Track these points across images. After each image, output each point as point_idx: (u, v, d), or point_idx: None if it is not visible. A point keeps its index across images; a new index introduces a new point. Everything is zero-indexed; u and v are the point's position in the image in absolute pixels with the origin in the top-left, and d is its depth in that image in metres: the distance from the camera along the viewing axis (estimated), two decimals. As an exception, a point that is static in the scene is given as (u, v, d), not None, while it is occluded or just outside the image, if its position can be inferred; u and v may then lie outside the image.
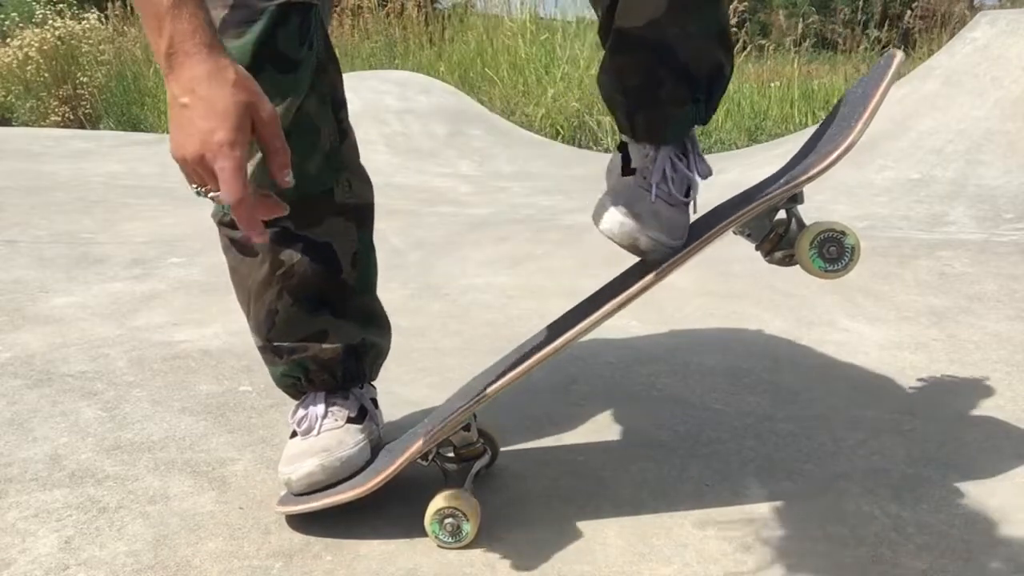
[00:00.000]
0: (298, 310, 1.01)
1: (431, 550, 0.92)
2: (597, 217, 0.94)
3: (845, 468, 1.12)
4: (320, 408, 1.03)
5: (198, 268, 2.20)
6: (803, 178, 0.84)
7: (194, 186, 0.72)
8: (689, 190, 0.97)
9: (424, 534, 0.94)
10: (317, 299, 1.02)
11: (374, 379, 1.13)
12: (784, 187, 0.85)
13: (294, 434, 1.04)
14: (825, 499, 1.03)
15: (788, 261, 0.92)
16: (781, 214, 0.92)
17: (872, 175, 3.31)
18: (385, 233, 2.61)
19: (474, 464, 1.00)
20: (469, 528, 0.92)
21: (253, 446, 1.18)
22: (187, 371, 1.47)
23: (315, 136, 0.97)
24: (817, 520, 0.99)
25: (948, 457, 1.15)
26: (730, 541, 0.94)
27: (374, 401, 1.11)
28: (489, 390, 0.91)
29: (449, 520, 0.92)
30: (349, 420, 1.03)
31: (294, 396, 1.08)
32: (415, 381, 1.43)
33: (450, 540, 0.92)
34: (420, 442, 0.93)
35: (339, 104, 1.00)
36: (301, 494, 0.98)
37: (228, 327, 1.71)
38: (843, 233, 0.85)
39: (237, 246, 1.01)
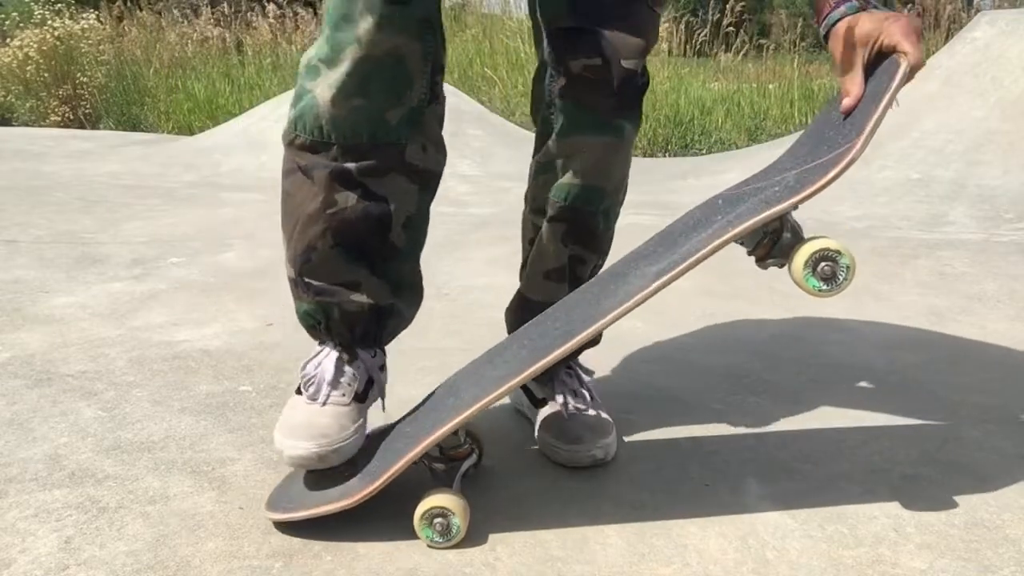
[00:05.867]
0: (337, 255, 0.99)
1: (431, 550, 0.92)
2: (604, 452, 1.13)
3: (845, 468, 1.12)
4: (330, 374, 1.02)
5: (198, 268, 2.20)
6: (804, 194, 0.83)
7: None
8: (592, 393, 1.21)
9: (424, 534, 0.94)
10: (358, 250, 1.00)
11: (386, 344, 1.11)
12: (783, 205, 0.84)
13: (299, 390, 1.03)
14: (825, 499, 1.03)
15: (782, 266, 0.92)
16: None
17: (872, 175, 3.31)
18: (385, 233, 2.61)
19: (462, 464, 1.00)
20: (459, 523, 0.92)
21: (253, 446, 1.18)
22: (187, 371, 1.47)
23: (406, 87, 0.96)
24: (817, 520, 0.99)
25: (948, 457, 1.15)
26: (730, 541, 0.94)
27: (383, 367, 1.09)
28: (493, 394, 0.90)
29: (439, 520, 0.92)
30: (355, 397, 1.02)
31: (312, 335, 1.07)
32: (415, 381, 1.43)
33: (442, 540, 0.92)
34: (410, 453, 0.93)
35: (438, 68, 0.99)
36: (291, 467, 1.00)
37: (228, 327, 1.71)
38: (839, 252, 0.84)
39: (302, 171, 0.98)
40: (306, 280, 1.01)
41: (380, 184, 0.98)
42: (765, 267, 0.92)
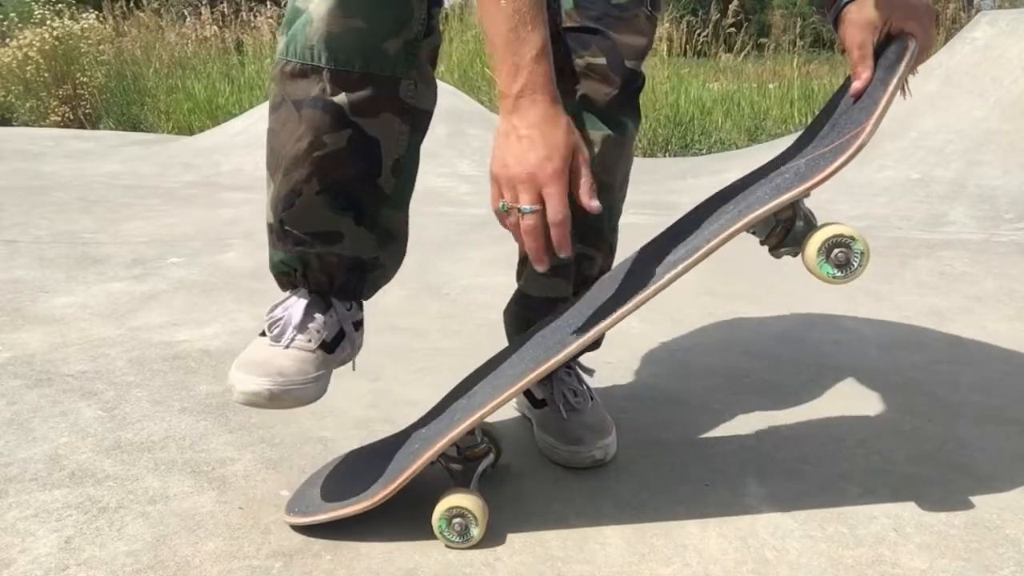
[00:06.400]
0: (322, 200, 0.94)
1: (431, 550, 0.92)
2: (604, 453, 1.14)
3: (845, 468, 1.12)
4: (298, 317, 0.97)
5: (198, 268, 2.20)
6: (815, 180, 0.82)
7: (502, 201, 0.85)
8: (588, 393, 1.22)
9: (424, 534, 0.94)
10: (345, 196, 0.96)
11: (367, 299, 1.06)
12: (794, 191, 0.84)
13: (263, 334, 0.98)
14: (825, 499, 1.03)
15: (795, 255, 0.91)
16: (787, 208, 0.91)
17: (872, 175, 3.31)
18: (385, 233, 2.61)
19: (479, 464, 1.00)
20: (476, 532, 0.92)
21: (253, 446, 1.18)
22: (187, 371, 1.47)
23: (407, 14, 0.90)
24: (817, 520, 0.99)
25: (948, 457, 1.15)
26: (730, 541, 0.94)
27: (357, 324, 1.04)
28: (507, 393, 0.90)
29: (458, 520, 0.92)
30: (322, 345, 0.97)
31: (282, 286, 1.02)
32: (415, 381, 1.43)
33: (456, 540, 0.92)
34: (427, 454, 0.92)
35: (436, 1, 0.95)
36: (241, 403, 0.95)
37: (228, 327, 1.71)
38: (852, 239, 0.83)
39: (292, 105, 0.91)
40: (286, 228, 0.96)
41: (372, 124, 0.93)
42: (779, 256, 0.91)
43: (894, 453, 1.16)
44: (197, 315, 1.80)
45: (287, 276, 1.00)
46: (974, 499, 1.03)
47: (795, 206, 0.87)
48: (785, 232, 0.89)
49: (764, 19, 11.65)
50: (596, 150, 1.09)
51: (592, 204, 0.85)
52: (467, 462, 0.99)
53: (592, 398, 1.20)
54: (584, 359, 1.25)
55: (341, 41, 0.88)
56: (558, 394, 1.18)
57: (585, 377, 1.23)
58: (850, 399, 1.36)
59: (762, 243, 0.92)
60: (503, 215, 0.85)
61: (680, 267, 0.86)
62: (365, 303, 1.06)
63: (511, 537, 0.95)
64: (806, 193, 0.85)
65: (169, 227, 2.78)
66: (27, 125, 6.99)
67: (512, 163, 0.83)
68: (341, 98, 0.90)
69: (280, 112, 0.93)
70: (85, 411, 1.29)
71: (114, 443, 1.18)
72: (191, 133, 6.08)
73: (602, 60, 1.05)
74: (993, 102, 3.45)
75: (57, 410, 1.29)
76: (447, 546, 0.93)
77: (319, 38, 0.88)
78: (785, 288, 1.98)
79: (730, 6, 6.92)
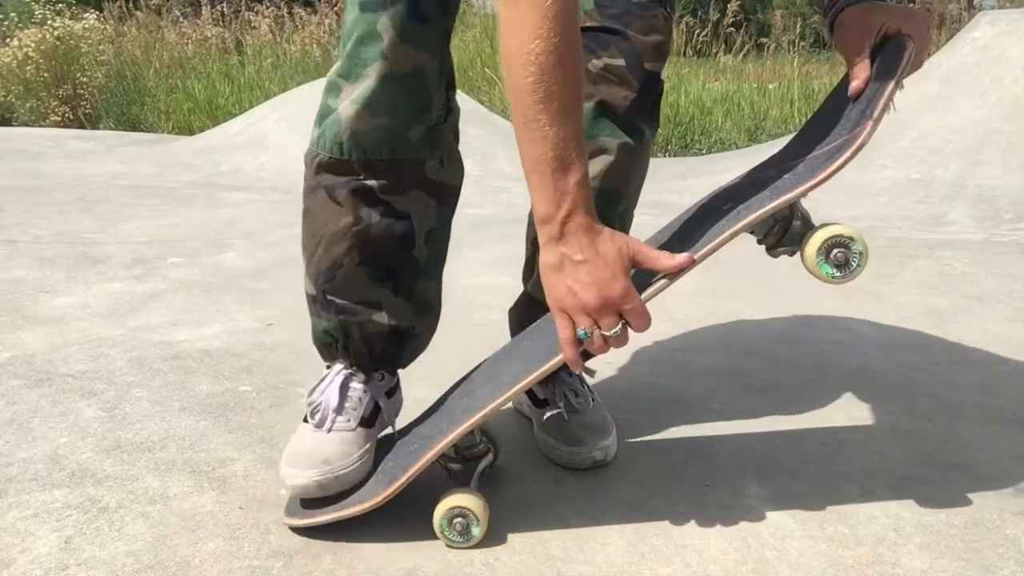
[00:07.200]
0: (362, 272, 0.99)
1: (431, 550, 0.92)
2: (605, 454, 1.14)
3: (845, 468, 1.12)
4: (335, 399, 1.01)
5: (198, 268, 2.20)
6: (814, 181, 0.83)
7: (581, 330, 0.84)
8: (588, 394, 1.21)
9: (424, 534, 0.94)
10: (384, 268, 1.00)
11: (404, 367, 1.11)
12: (794, 192, 0.84)
13: (306, 419, 1.03)
14: (825, 499, 1.03)
15: (792, 255, 0.92)
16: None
17: (872, 175, 3.31)
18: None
19: (478, 464, 1.00)
20: (477, 532, 0.92)
21: (253, 446, 1.18)
22: (187, 371, 1.47)
23: (427, 103, 0.96)
24: (817, 520, 0.99)
25: (948, 457, 1.15)
26: (730, 541, 0.94)
27: (391, 393, 1.08)
28: (508, 393, 0.90)
29: (459, 520, 0.92)
30: (361, 422, 1.02)
31: (324, 357, 1.06)
32: (415, 381, 1.43)
33: (456, 539, 0.92)
34: (427, 455, 0.92)
35: (451, 84, 1.00)
36: (293, 496, 0.99)
37: (228, 327, 1.71)
38: (851, 239, 0.84)
39: (324, 191, 0.98)
40: (328, 298, 1.01)
41: (401, 201, 0.98)
42: (776, 255, 0.92)
43: (894, 453, 1.16)
44: (197, 315, 1.80)
45: (329, 347, 1.05)
46: (974, 499, 1.03)
47: (793, 206, 0.88)
48: (783, 232, 0.89)
49: (764, 19, 11.65)
50: (613, 157, 1.07)
51: (675, 262, 0.84)
52: (466, 462, 0.99)
53: (593, 399, 1.20)
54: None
55: (368, 138, 0.95)
56: (559, 394, 1.18)
57: (587, 378, 1.23)
58: (850, 399, 1.36)
59: (759, 242, 0.92)
60: (588, 342, 0.85)
61: (662, 281, 0.86)
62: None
63: (511, 537, 0.95)
64: (805, 194, 0.85)
65: (169, 227, 2.78)
66: (27, 125, 6.99)
67: (580, 290, 0.82)
68: (371, 182, 0.96)
69: (316, 196, 1.00)
70: (85, 411, 1.29)
71: (114, 443, 1.18)
72: (191, 133, 6.08)
73: (621, 61, 1.04)
74: (993, 102, 3.45)
75: (57, 410, 1.29)
76: (448, 546, 0.93)
77: (348, 136, 0.94)
78: (785, 288, 1.98)
79: (730, 6, 6.92)
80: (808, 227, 0.88)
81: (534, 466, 1.14)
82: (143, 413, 1.29)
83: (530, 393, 1.23)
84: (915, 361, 1.52)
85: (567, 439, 1.13)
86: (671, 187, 3.68)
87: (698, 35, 6.98)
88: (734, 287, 2.01)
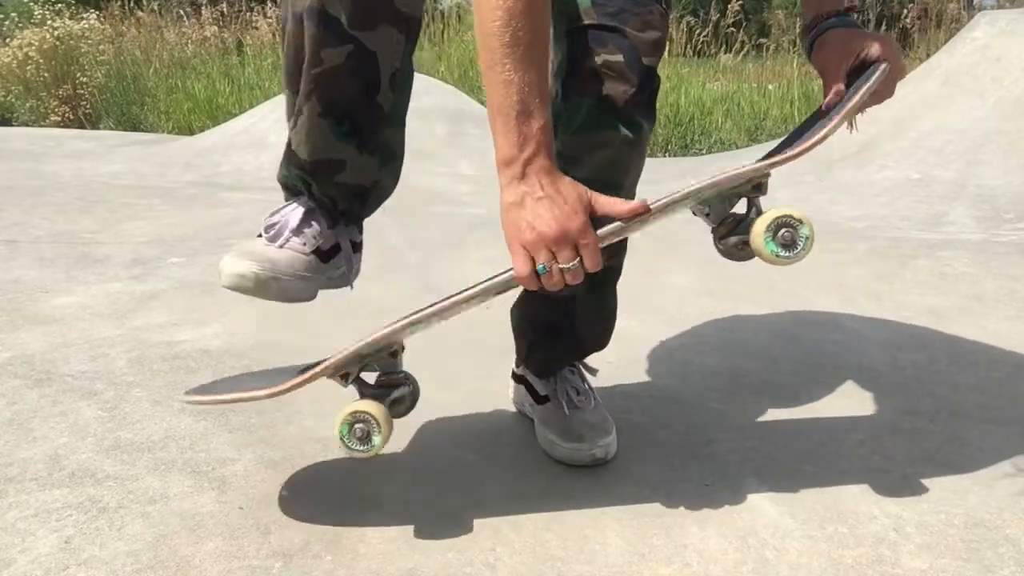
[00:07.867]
0: (326, 124, 0.97)
1: (431, 550, 0.92)
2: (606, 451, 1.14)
3: (845, 468, 1.12)
4: (295, 221, 0.99)
5: (198, 268, 2.20)
6: (770, 161, 0.86)
7: (540, 264, 0.85)
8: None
9: (424, 534, 0.94)
10: (347, 119, 0.97)
11: (367, 217, 1.09)
12: (747, 168, 0.87)
13: (260, 235, 1.00)
14: (825, 499, 1.03)
15: (741, 248, 0.93)
16: (742, 206, 0.93)
17: (872, 175, 3.31)
18: (384, 233, 2.61)
19: (393, 392, 0.98)
20: (378, 441, 0.91)
21: (253, 446, 1.18)
22: (187, 371, 1.47)
23: None
24: (817, 520, 0.99)
25: (948, 457, 1.15)
26: (730, 541, 0.94)
27: (356, 246, 1.06)
28: (431, 309, 0.89)
29: (360, 426, 0.90)
30: (316, 252, 0.99)
31: (286, 195, 1.04)
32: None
33: (357, 447, 0.91)
34: (342, 355, 0.90)
35: None
36: (227, 286, 0.94)
37: (228, 327, 1.71)
38: (800, 221, 0.86)
39: (292, 17, 0.95)
40: (292, 148, 0.99)
41: (370, 38, 0.94)
42: (726, 247, 0.94)
43: (894, 453, 1.16)
44: (197, 315, 1.80)
45: (290, 188, 1.03)
46: (974, 499, 1.03)
47: (750, 202, 0.91)
48: (736, 223, 0.92)
49: (764, 19, 11.65)
50: (612, 151, 1.08)
51: (631, 207, 0.87)
52: (382, 388, 0.97)
53: (594, 397, 1.20)
54: (587, 359, 1.25)
55: None
56: (561, 391, 1.19)
57: (588, 376, 1.24)
58: (850, 399, 1.36)
59: (713, 231, 0.94)
60: (546, 277, 0.86)
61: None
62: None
63: (511, 537, 0.95)
64: (759, 172, 0.88)
65: (169, 227, 2.78)
66: (27, 125, 6.99)
67: (539, 225, 0.84)
68: (340, 15, 0.91)
69: (287, 27, 0.97)
70: (85, 411, 1.29)
71: (114, 443, 1.18)
72: (191, 133, 6.08)
73: (619, 57, 1.05)
74: (993, 102, 3.45)
75: (57, 410, 1.29)
76: (349, 456, 0.91)
77: None
78: (785, 288, 1.98)
79: (730, 6, 6.92)
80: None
81: (534, 465, 1.14)
82: (143, 413, 1.29)
83: (531, 389, 1.23)
84: (915, 361, 1.52)
85: (568, 435, 1.13)
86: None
87: (698, 35, 6.98)
88: (734, 287, 2.01)
